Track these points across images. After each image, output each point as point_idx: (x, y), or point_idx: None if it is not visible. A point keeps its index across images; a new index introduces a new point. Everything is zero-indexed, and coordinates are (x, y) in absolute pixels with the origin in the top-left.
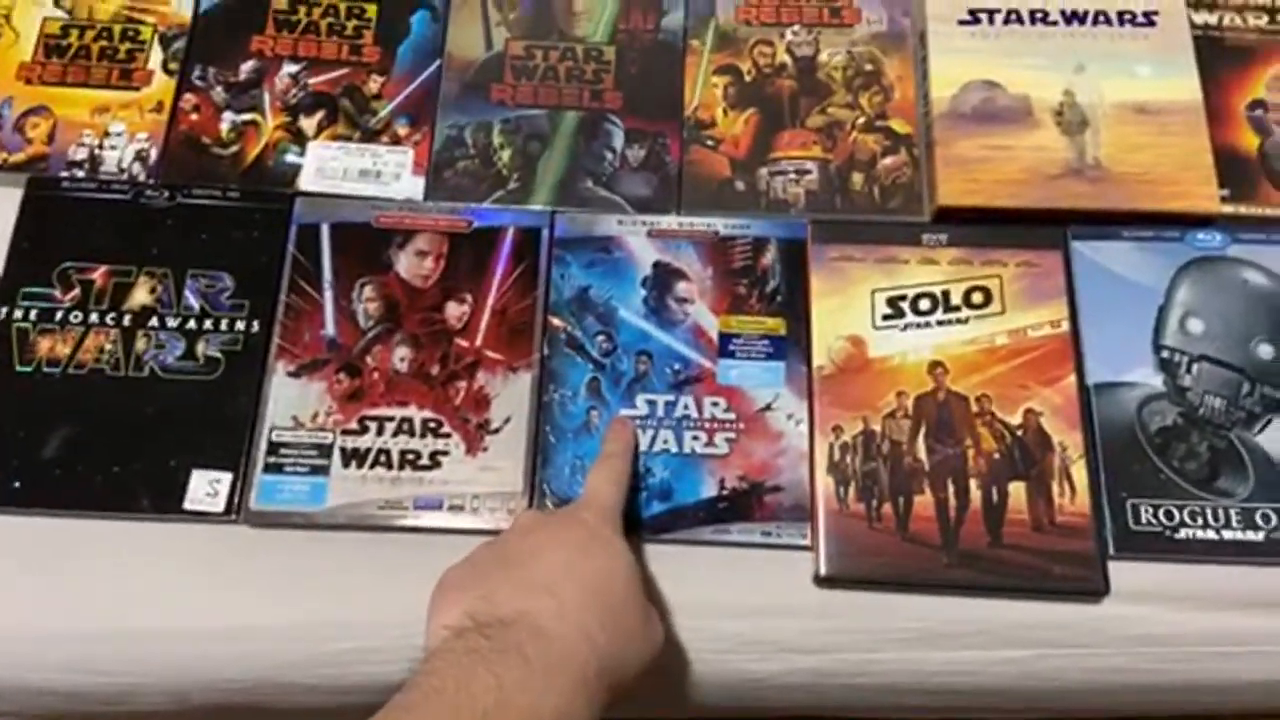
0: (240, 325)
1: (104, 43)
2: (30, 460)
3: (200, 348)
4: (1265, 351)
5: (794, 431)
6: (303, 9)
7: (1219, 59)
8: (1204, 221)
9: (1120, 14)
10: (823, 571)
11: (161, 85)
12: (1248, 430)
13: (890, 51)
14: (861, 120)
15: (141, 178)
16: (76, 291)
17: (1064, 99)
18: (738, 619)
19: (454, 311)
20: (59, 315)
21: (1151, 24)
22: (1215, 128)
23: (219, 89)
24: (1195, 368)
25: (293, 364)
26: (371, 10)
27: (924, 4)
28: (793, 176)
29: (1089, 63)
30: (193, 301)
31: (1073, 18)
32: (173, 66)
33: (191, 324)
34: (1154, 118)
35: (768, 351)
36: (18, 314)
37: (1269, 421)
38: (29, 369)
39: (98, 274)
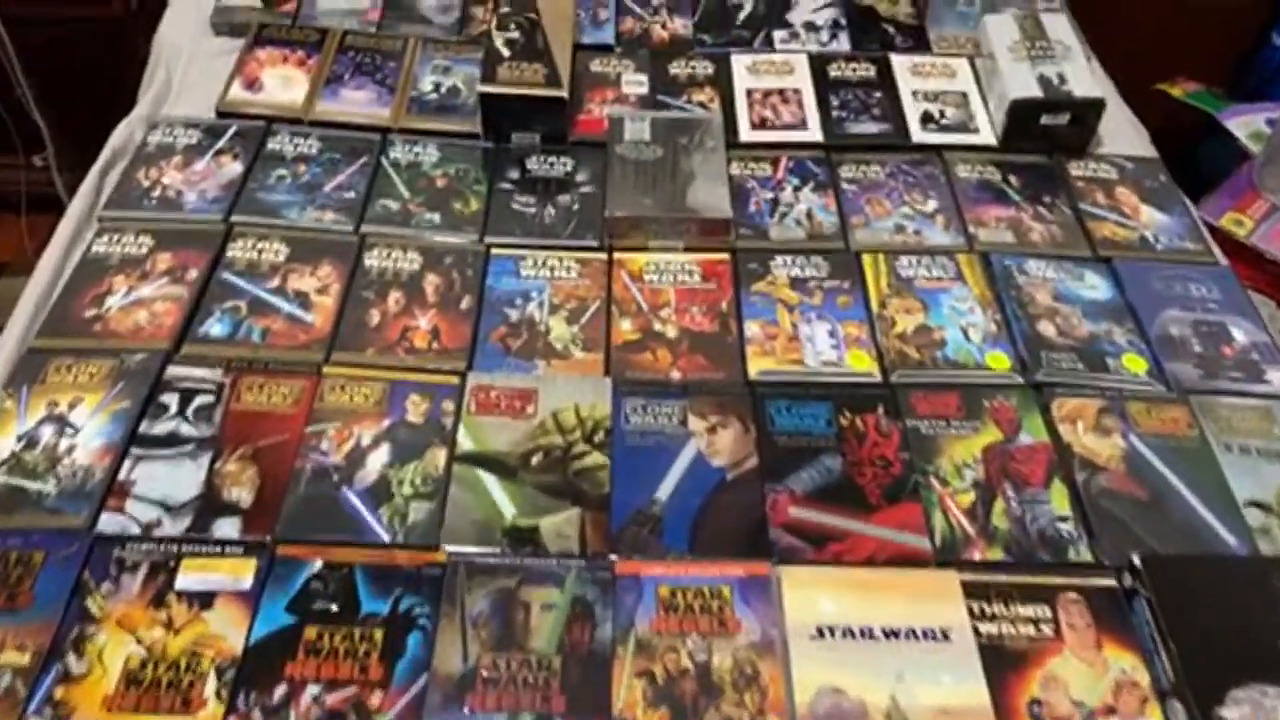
0: None
1: (171, 674)
2: None
3: None
4: None
5: None
6: (327, 636)
7: (1002, 662)
8: None
9: (924, 630)
10: None
11: (213, 709)
12: None
13: (764, 655)
14: (746, 716)
15: None
16: None
17: (890, 704)
18: None
19: None
20: None
21: (948, 639)
22: None
23: (256, 711)
24: None
25: None
26: (378, 634)
27: (785, 621)
28: None
29: (906, 671)
30: None
31: (890, 634)
32: (222, 694)
33: None
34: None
35: None
36: None
37: None
38: None
39: None
